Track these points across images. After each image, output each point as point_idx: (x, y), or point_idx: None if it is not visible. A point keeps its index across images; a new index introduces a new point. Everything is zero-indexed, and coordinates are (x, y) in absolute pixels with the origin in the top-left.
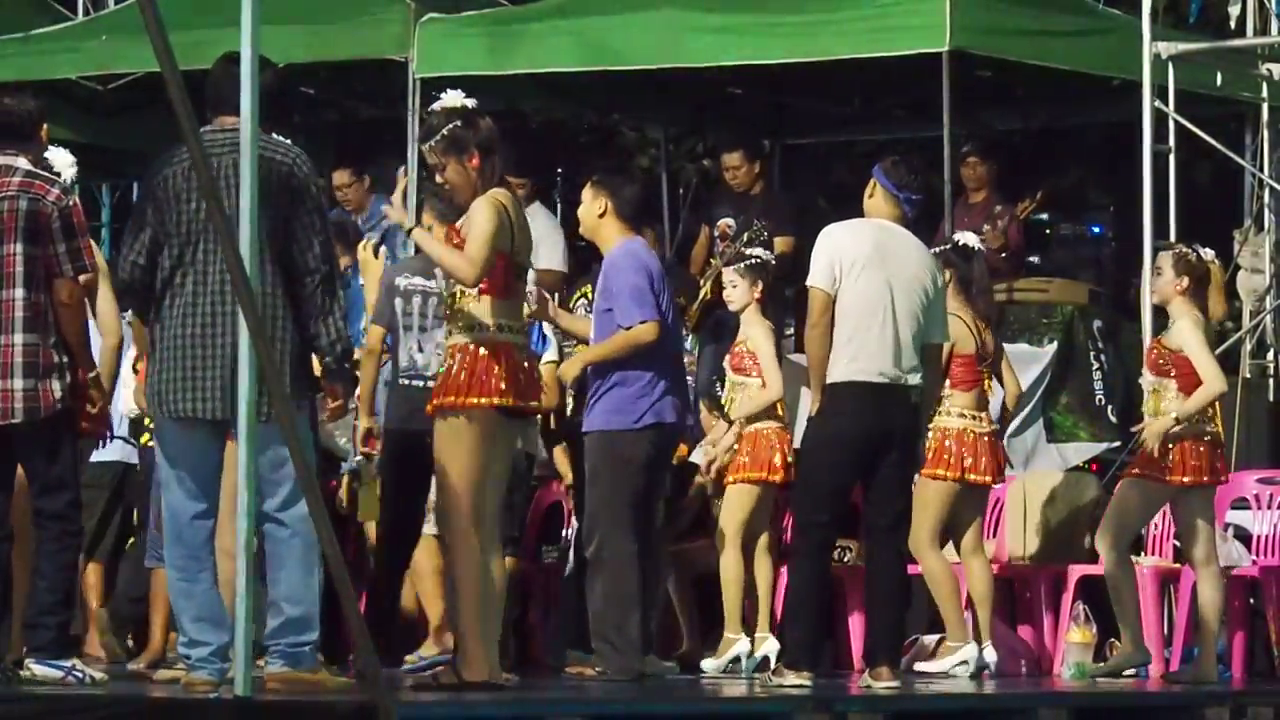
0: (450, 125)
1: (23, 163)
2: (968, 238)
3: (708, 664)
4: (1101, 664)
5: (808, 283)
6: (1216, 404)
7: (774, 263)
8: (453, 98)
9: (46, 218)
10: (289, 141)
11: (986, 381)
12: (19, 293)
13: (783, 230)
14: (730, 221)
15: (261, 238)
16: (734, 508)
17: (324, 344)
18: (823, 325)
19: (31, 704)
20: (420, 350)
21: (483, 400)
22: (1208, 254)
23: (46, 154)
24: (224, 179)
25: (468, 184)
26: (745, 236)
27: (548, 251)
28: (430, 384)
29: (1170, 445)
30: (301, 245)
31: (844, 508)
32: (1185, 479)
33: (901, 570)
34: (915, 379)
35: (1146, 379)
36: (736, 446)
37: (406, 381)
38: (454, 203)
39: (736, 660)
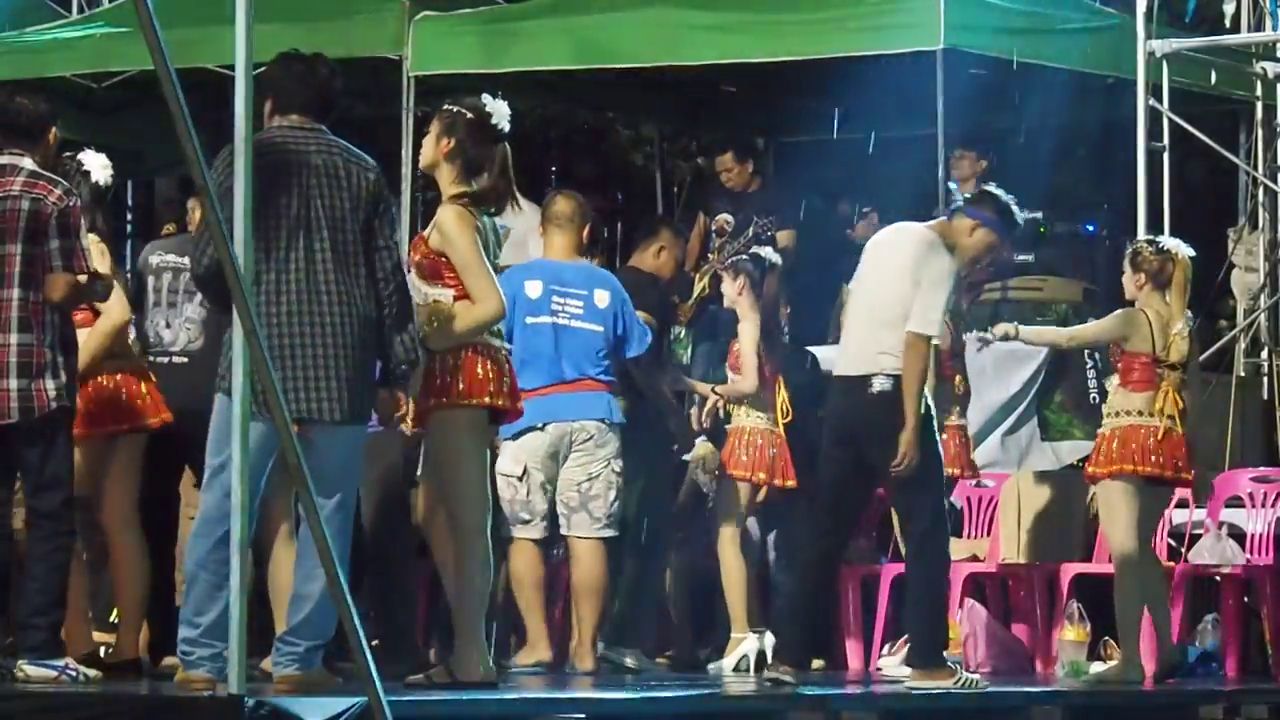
0: (456, 111)
1: (28, 163)
2: None
3: (715, 665)
4: (1098, 665)
5: None
6: (1173, 400)
7: (772, 259)
8: (501, 109)
9: (47, 218)
10: (360, 151)
11: (958, 378)
12: (15, 293)
13: (782, 225)
14: (728, 217)
15: (353, 247)
16: (724, 506)
17: (399, 353)
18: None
19: (27, 702)
20: (168, 326)
21: (470, 402)
22: (1170, 244)
23: (82, 154)
24: (305, 180)
25: (431, 164)
26: (750, 233)
27: (537, 245)
28: (177, 359)
29: (1116, 438)
30: (382, 256)
31: (829, 502)
32: (1131, 467)
33: (915, 571)
34: (889, 366)
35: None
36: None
37: (152, 359)
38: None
39: (745, 658)
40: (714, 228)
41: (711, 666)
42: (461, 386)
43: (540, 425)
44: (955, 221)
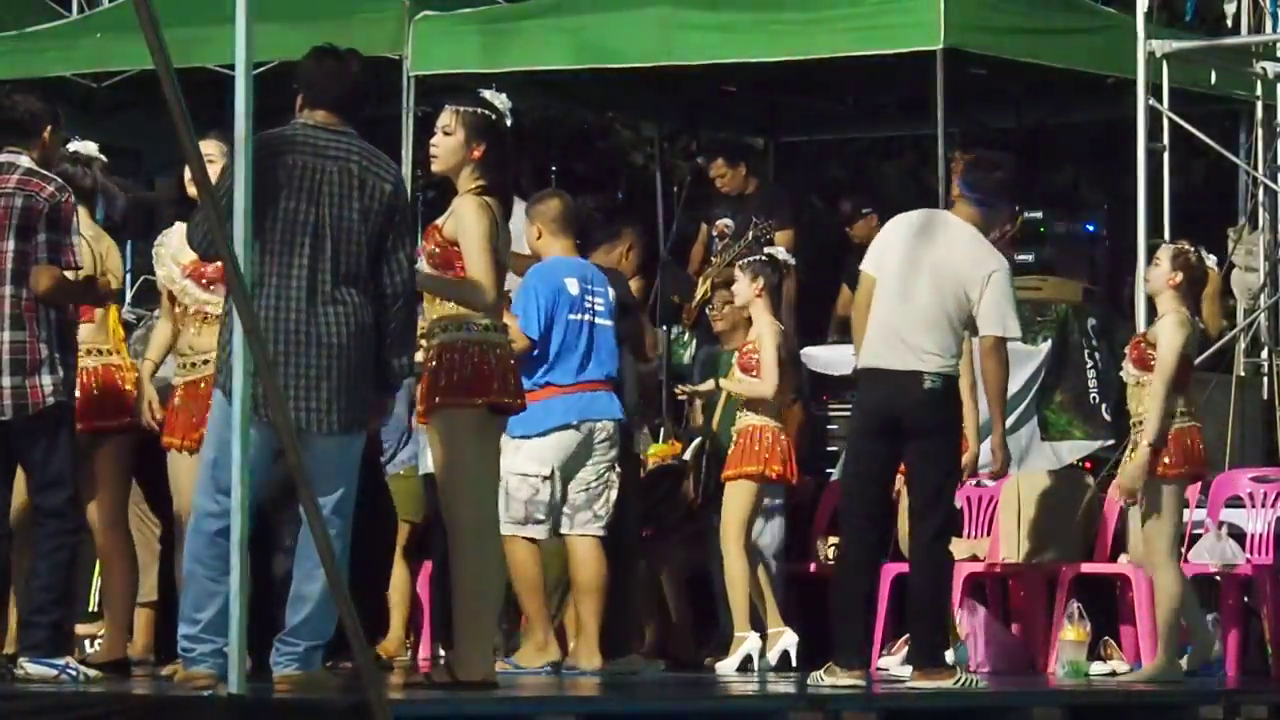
0: (482, 112)
1: (25, 161)
2: None
3: (721, 665)
4: (1099, 665)
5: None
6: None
7: (788, 261)
8: (506, 102)
9: (38, 213)
10: (378, 151)
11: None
12: (8, 289)
13: (782, 225)
14: (728, 221)
15: (357, 259)
16: (732, 505)
17: (394, 370)
18: (862, 309)
19: (25, 701)
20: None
21: (476, 400)
22: (1210, 258)
23: (75, 145)
24: (317, 186)
25: (454, 164)
26: (751, 235)
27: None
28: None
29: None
30: (391, 268)
31: (872, 495)
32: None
33: (928, 567)
34: (934, 366)
35: (1129, 373)
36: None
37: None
38: (431, 170)
39: (749, 659)
40: (714, 232)
41: (718, 665)
42: (466, 385)
43: (575, 424)
44: (974, 209)
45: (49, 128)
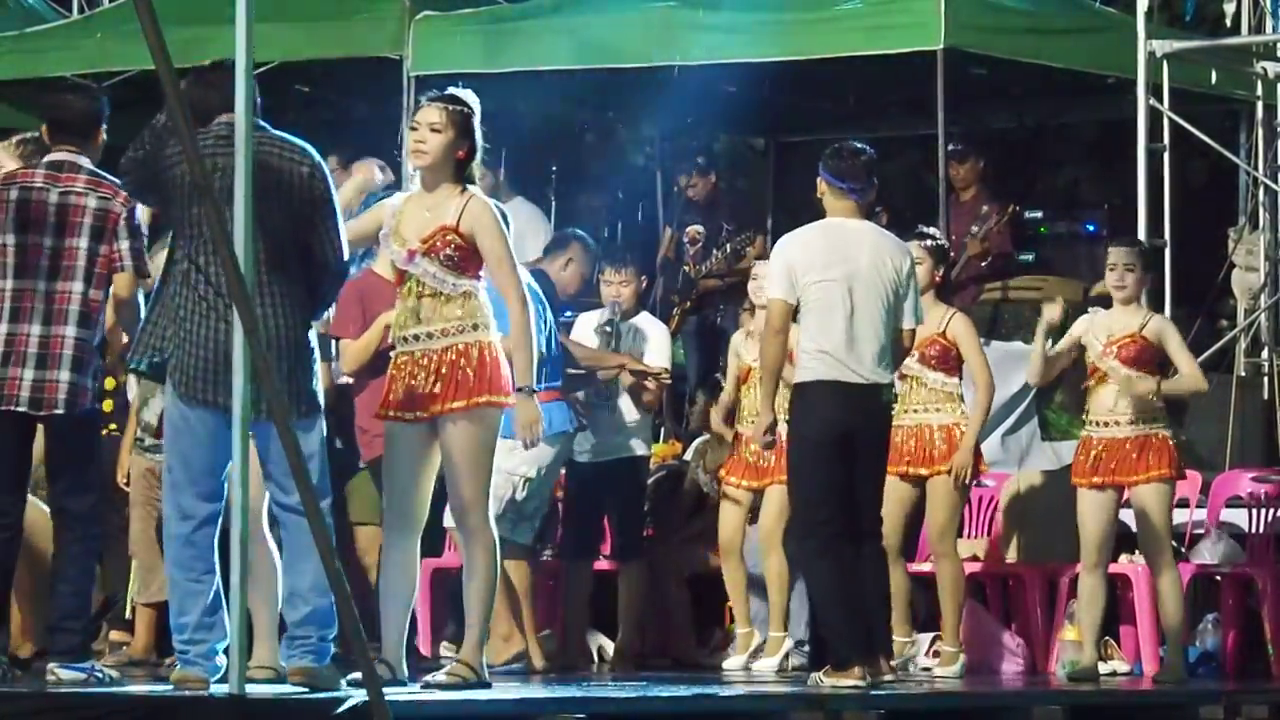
0: (467, 111)
1: (86, 161)
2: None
3: (759, 665)
4: (1100, 666)
5: (767, 294)
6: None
7: None
8: (474, 97)
9: (116, 218)
10: (292, 138)
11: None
12: (77, 286)
13: (755, 235)
14: (700, 229)
15: (261, 239)
16: (779, 509)
17: None
18: (785, 334)
19: (25, 701)
20: None
21: (494, 399)
22: None
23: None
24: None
25: (441, 162)
26: (729, 248)
27: (534, 244)
28: None
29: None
30: (320, 242)
31: (840, 504)
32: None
33: (885, 572)
34: (888, 377)
35: (1120, 372)
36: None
37: None
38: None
39: (786, 658)
40: (686, 239)
41: (755, 666)
42: (500, 384)
43: (573, 429)
44: (848, 200)
45: (102, 128)
